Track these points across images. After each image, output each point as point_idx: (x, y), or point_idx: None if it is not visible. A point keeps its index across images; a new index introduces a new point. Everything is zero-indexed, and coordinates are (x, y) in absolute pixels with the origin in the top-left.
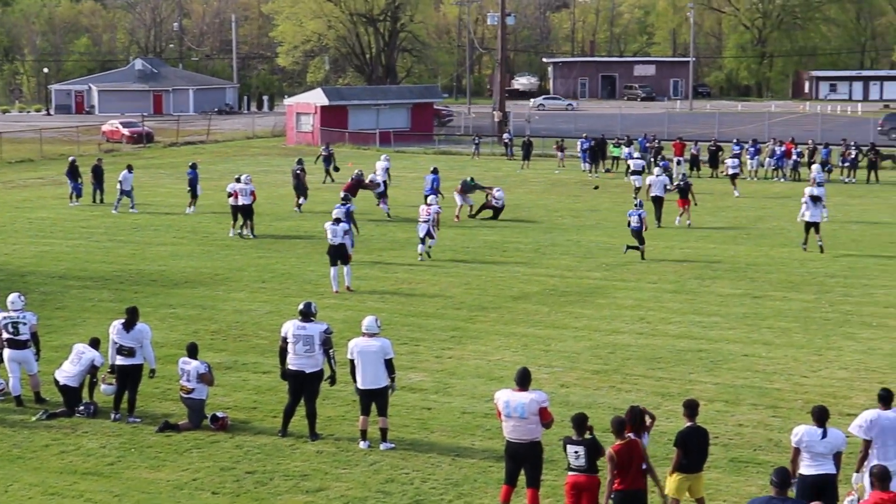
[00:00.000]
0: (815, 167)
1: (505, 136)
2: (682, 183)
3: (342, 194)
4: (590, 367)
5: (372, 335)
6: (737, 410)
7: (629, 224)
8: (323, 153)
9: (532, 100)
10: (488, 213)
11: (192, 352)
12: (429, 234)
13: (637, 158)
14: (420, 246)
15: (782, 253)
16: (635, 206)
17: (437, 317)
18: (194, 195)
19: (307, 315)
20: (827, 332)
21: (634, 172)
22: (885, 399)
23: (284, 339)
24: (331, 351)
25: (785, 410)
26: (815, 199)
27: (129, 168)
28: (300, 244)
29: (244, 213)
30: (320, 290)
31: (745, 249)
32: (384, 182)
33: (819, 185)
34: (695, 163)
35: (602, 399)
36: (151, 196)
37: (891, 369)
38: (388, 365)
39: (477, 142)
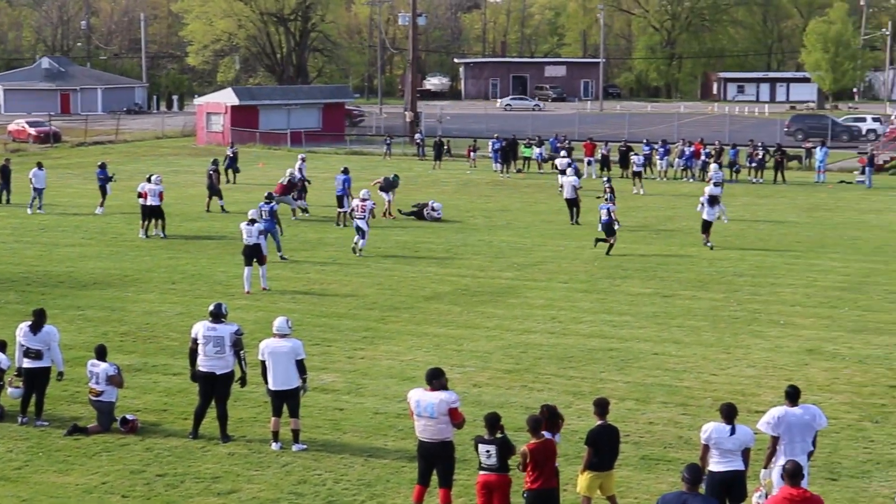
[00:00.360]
0: (713, 167)
1: (417, 136)
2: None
3: (267, 194)
4: (502, 366)
5: (283, 336)
6: (647, 408)
7: (599, 218)
8: (229, 153)
9: (499, 100)
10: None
11: (101, 354)
12: (360, 229)
13: (563, 157)
14: (361, 241)
15: (691, 252)
16: (605, 199)
17: (350, 317)
18: (104, 195)
19: (217, 316)
20: (735, 330)
21: (562, 172)
22: (791, 396)
23: (195, 341)
24: (242, 352)
25: (694, 408)
26: (713, 200)
27: (40, 165)
28: (210, 245)
29: (153, 213)
30: (231, 291)
31: (654, 248)
32: (303, 179)
33: (717, 184)
34: (605, 163)
35: (514, 398)
36: (59, 196)
37: (798, 367)
38: (300, 366)
39: (388, 142)
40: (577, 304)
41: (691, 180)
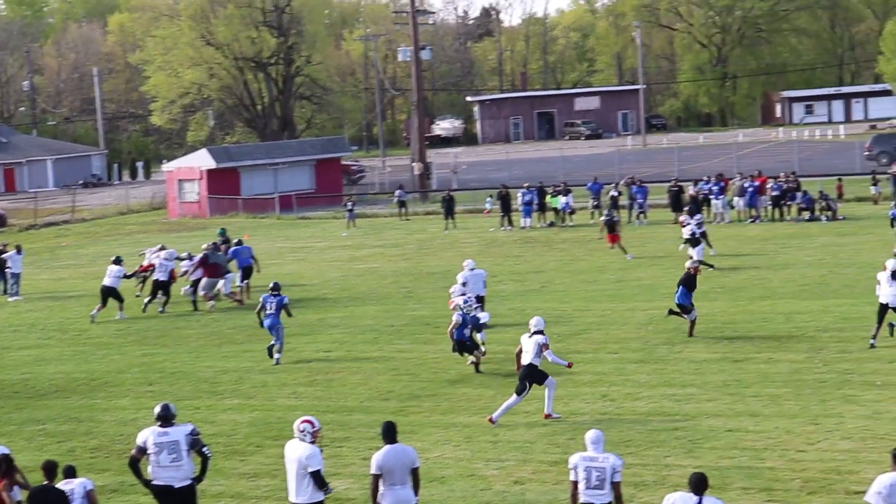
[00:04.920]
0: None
1: (397, 192)
2: (608, 217)
3: (273, 284)
4: (547, 457)
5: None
6: (725, 496)
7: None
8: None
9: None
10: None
11: (70, 473)
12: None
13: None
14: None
15: (763, 307)
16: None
17: (362, 410)
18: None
19: (167, 419)
20: (823, 396)
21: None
22: None
23: (140, 450)
24: (205, 449)
25: (781, 493)
26: None
27: (18, 249)
28: (191, 336)
29: (160, 288)
30: (220, 390)
31: (720, 305)
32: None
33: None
34: (677, 206)
35: (564, 495)
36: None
37: None
38: (316, 479)
39: (403, 198)
40: (631, 378)
41: (758, 221)
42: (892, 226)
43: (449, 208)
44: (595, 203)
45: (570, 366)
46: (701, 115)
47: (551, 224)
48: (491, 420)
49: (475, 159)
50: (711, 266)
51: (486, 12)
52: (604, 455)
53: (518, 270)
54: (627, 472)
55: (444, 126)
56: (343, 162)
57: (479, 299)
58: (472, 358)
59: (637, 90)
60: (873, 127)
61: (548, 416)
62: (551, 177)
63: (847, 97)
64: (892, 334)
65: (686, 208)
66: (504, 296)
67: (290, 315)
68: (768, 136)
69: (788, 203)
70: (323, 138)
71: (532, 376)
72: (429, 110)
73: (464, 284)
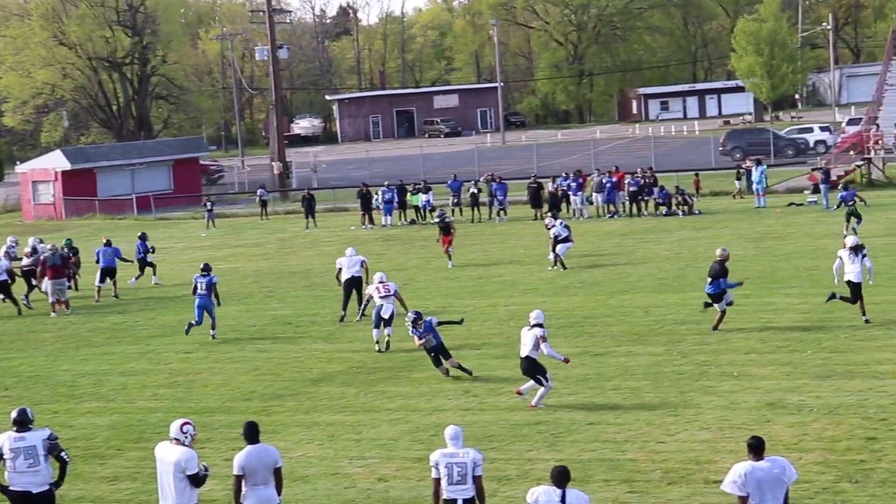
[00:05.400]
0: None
1: (259, 192)
2: (441, 218)
3: (204, 265)
4: (410, 454)
5: (179, 443)
6: (587, 489)
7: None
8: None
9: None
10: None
11: None
12: (390, 315)
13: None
14: (379, 331)
15: (622, 301)
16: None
17: (224, 411)
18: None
19: (23, 424)
20: (682, 388)
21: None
22: (756, 448)
23: None
24: (63, 454)
25: (642, 483)
26: None
27: None
28: (48, 339)
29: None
30: (79, 393)
31: (580, 300)
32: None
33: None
34: (537, 202)
35: (428, 492)
36: None
37: (759, 424)
38: (195, 481)
39: (265, 197)
40: (493, 374)
41: (616, 217)
42: (838, 206)
43: (309, 207)
44: (455, 200)
45: (566, 361)
46: (559, 113)
47: (412, 222)
48: (519, 392)
49: (335, 158)
50: (564, 266)
51: (344, 11)
52: (464, 450)
53: (380, 269)
54: (490, 466)
55: (304, 125)
56: (201, 162)
57: (356, 281)
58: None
59: (495, 88)
60: (727, 122)
61: (533, 407)
62: (411, 175)
63: (701, 94)
64: (828, 299)
65: (547, 207)
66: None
67: (217, 298)
68: (625, 133)
69: (646, 198)
70: (181, 138)
71: (532, 370)
72: (287, 109)
73: (339, 271)
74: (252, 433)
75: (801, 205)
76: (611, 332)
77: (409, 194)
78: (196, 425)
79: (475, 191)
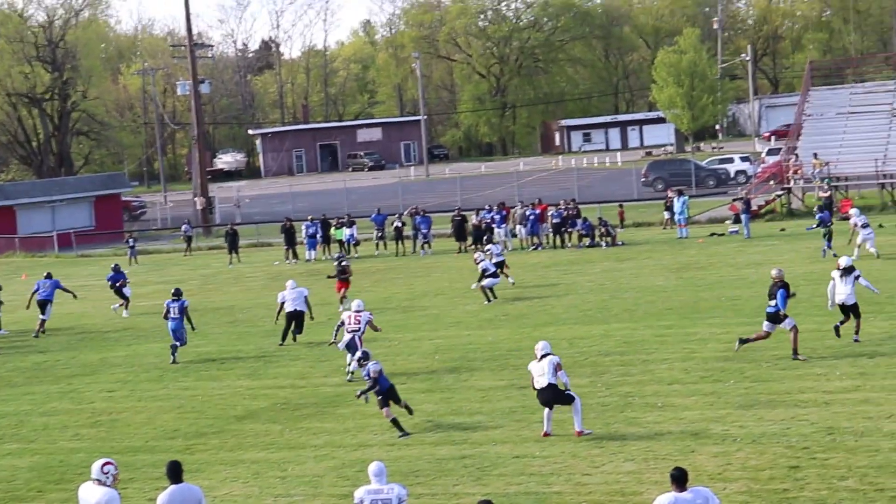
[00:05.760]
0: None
1: (184, 227)
2: (339, 260)
3: (175, 290)
4: (336, 490)
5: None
6: None
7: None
8: None
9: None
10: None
11: None
12: (354, 346)
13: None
14: (352, 364)
15: (547, 333)
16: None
17: (147, 450)
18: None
19: None
20: (607, 419)
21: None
22: (679, 479)
23: None
24: None
25: None
26: None
27: None
28: None
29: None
30: None
31: (505, 333)
32: None
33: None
34: (461, 235)
35: None
36: None
37: (683, 454)
38: None
39: (189, 233)
40: (419, 408)
41: (540, 248)
42: (817, 226)
43: (233, 243)
44: (379, 234)
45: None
46: (482, 145)
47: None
48: (580, 433)
49: (258, 193)
50: (489, 299)
51: (266, 45)
52: (388, 486)
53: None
54: (416, 502)
55: (226, 160)
56: (123, 198)
57: (298, 314)
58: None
59: (419, 121)
60: (649, 154)
61: (580, 434)
62: (335, 209)
63: (623, 125)
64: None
65: (471, 240)
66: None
67: (191, 323)
68: (548, 165)
69: (569, 230)
70: (102, 174)
71: (558, 395)
72: (210, 144)
73: (282, 303)
74: (175, 472)
75: (723, 235)
76: None
77: (333, 228)
78: (118, 465)
79: (399, 224)
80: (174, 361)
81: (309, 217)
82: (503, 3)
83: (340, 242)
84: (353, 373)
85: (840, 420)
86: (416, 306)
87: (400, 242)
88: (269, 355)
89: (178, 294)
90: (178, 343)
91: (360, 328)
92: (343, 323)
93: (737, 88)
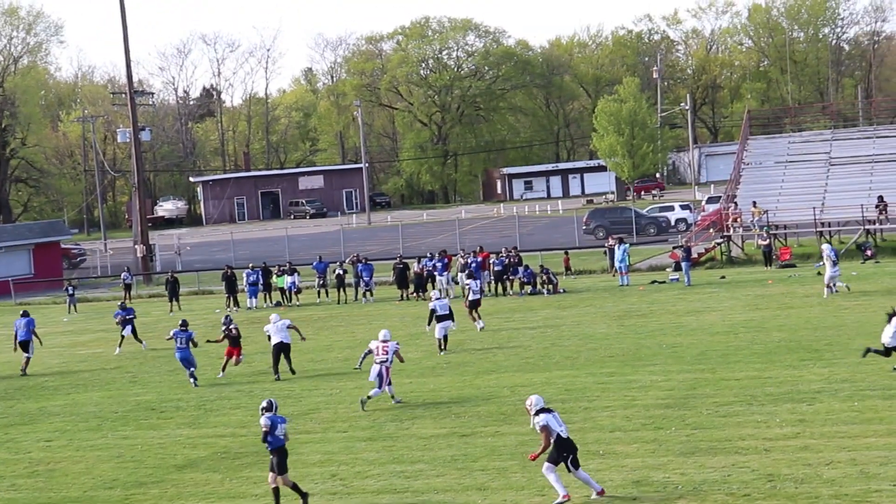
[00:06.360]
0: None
1: (123, 275)
2: (226, 326)
3: (182, 321)
4: None
5: None
6: None
7: None
8: None
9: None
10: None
11: None
12: (383, 378)
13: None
14: (376, 390)
15: (489, 381)
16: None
17: (86, 501)
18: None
19: None
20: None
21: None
22: None
23: None
24: None
25: None
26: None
27: None
28: None
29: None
30: None
31: (446, 381)
32: None
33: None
34: (403, 283)
35: None
36: None
37: (624, 503)
38: None
39: (129, 280)
40: (360, 456)
41: (481, 296)
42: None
43: (173, 290)
44: (321, 282)
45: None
46: (424, 193)
47: (277, 304)
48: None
49: (199, 240)
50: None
51: (207, 92)
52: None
53: (245, 352)
54: None
55: (167, 207)
56: (63, 245)
57: (285, 346)
58: None
59: (360, 169)
60: (590, 201)
61: (601, 493)
62: (277, 256)
63: (564, 173)
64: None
65: (413, 287)
66: (232, 376)
67: (195, 343)
68: (490, 212)
69: (511, 277)
70: (41, 222)
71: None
72: (151, 192)
73: (269, 337)
74: None
75: (664, 282)
76: (477, 413)
77: (274, 276)
78: None
79: (341, 272)
80: (196, 384)
81: (250, 265)
82: (444, 52)
83: (282, 290)
84: (368, 398)
85: (780, 467)
86: (357, 355)
87: (342, 290)
88: (210, 403)
89: (184, 325)
90: (192, 369)
91: (388, 358)
92: (370, 351)
93: (677, 137)
